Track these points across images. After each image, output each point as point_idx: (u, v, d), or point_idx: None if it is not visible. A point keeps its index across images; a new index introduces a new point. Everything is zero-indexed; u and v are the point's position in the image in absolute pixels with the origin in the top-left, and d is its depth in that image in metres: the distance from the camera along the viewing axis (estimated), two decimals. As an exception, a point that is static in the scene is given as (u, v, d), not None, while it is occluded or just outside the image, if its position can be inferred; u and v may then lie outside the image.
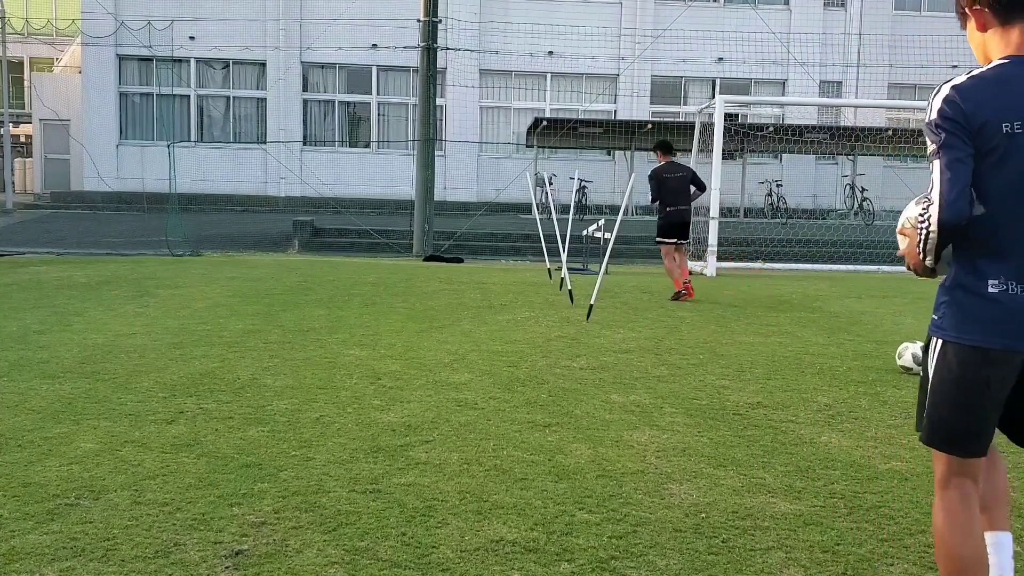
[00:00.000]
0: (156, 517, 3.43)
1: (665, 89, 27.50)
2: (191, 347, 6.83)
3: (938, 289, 2.50)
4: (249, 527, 3.36)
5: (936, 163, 2.34)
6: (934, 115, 2.35)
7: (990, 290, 2.34)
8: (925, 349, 2.52)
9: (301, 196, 25.65)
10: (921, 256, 2.43)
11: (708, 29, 25.54)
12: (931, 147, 2.36)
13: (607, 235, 10.66)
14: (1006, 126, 2.28)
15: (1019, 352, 2.34)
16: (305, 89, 26.77)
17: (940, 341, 2.42)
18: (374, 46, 25.76)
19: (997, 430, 2.50)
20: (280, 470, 4.01)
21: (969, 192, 2.31)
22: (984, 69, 2.37)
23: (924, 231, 2.37)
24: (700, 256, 14.88)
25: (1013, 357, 2.34)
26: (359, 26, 25.31)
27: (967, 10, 2.44)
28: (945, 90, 2.35)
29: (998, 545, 2.54)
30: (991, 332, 2.34)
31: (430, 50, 17.19)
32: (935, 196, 2.32)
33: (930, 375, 2.46)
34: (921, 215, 2.38)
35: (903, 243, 2.58)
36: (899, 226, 2.62)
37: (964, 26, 2.50)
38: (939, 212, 2.31)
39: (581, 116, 24.57)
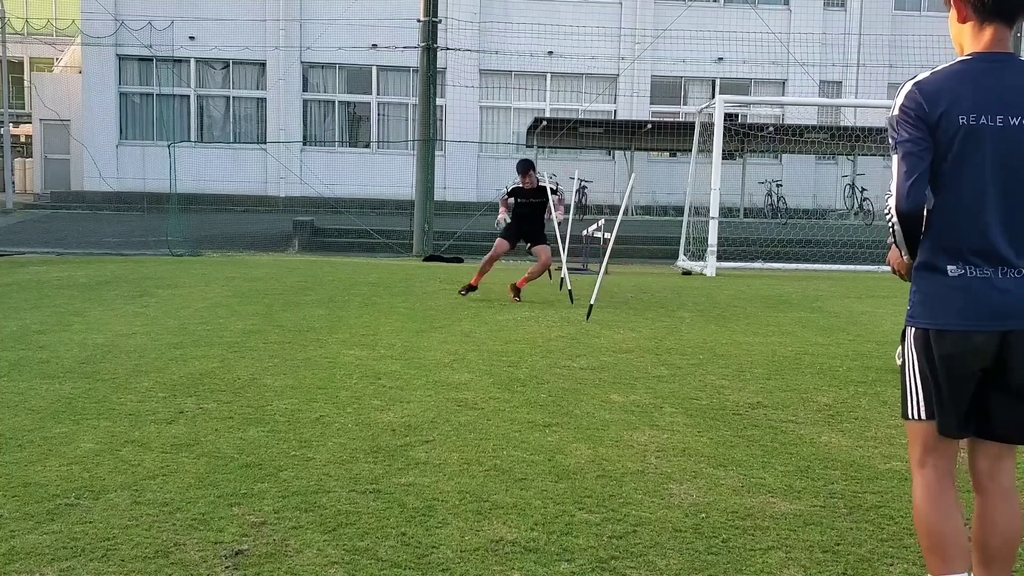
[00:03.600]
0: (156, 517, 3.43)
1: (665, 89, 27.50)
2: (191, 347, 6.83)
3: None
4: (249, 527, 3.36)
5: (894, 156, 2.49)
6: (896, 111, 2.51)
7: (951, 275, 2.48)
8: (902, 338, 2.63)
9: (301, 196, 25.64)
10: (900, 251, 2.60)
11: (708, 29, 25.54)
12: (890, 141, 2.53)
13: (607, 235, 10.66)
14: (962, 118, 2.42)
15: (980, 332, 2.45)
16: (305, 89, 26.77)
17: (911, 328, 2.57)
18: (374, 46, 25.76)
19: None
20: (280, 470, 4.01)
21: (925, 182, 2.46)
22: (949, 65, 2.51)
23: (889, 224, 2.53)
24: (700, 256, 14.89)
25: (975, 337, 2.45)
26: (359, 26, 25.31)
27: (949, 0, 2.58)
28: (908, 87, 2.51)
29: None
30: (953, 315, 2.47)
31: (430, 50, 17.20)
32: (893, 188, 2.48)
33: (906, 361, 2.60)
34: (885, 209, 2.56)
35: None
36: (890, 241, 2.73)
37: (949, 9, 2.61)
38: (896, 202, 2.47)
39: (581, 116, 24.57)
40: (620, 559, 3.17)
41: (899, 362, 2.70)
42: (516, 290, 10.08)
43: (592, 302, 8.59)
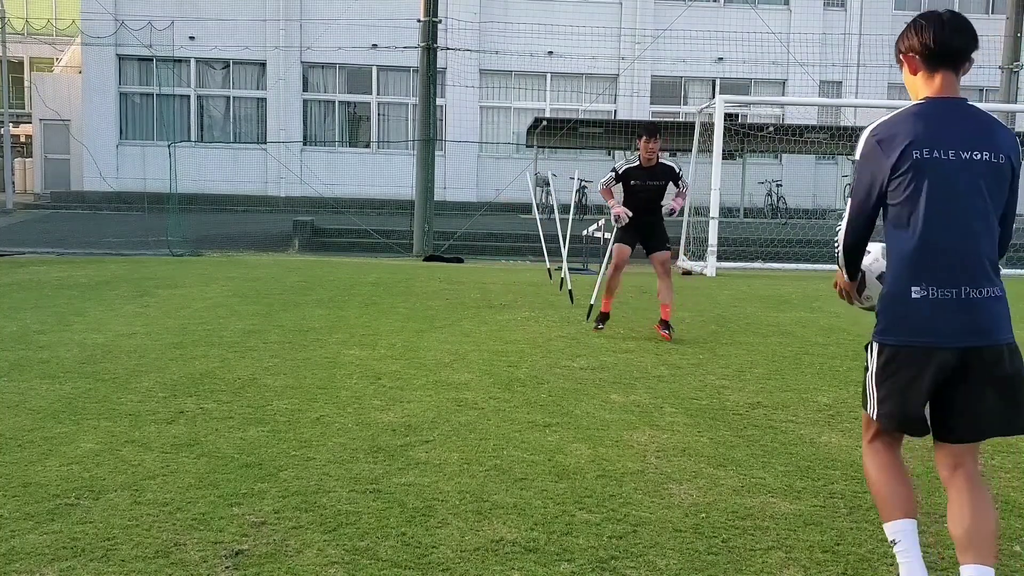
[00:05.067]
0: (156, 517, 3.43)
1: (665, 89, 27.49)
2: (191, 347, 6.83)
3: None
4: (249, 527, 3.36)
5: (849, 199, 2.87)
6: (856, 155, 2.86)
7: (914, 296, 2.73)
8: (867, 348, 2.91)
9: (301, 196, 25.64)
10: (841, 269, 2.98)
11: (708, 29, 25.53)
12: (850, 181, 2.91)
13: (607, 235, 10.65)
14: (916, 152, 2.71)
15: (941, 348, 2.70)
16: (305, 89, 26.77)
17: (875, 343, 2.84)
18: (374, 46, 25.76)
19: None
20: (280, 470, 4.01)
21: (871, 225, 2.84)
22: (905, 108, 2.83)
23: (837, 249, 2.94)
24: (700, 256, 14.88)
25: (936, 352, 2.70)
26: (359, 26, 25.31)
27: (901, 56, 2.91)
28: (866, 134, 2.83)
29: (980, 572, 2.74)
30: (917, 333, 2.72)
31: (430, 50, 17.19)
32: (844, 224, 2.89)
33: (870, 368, 2.87)
34: (836, 240, 2.93)
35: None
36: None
37: (901, 68, 2.95)
38: (844, 238, 2.89)
39: (581, 116, 24.56)
40: (620, 559, 3.17)
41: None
42: (665, 324, 7.77)
43: (592, 302, 8.59)
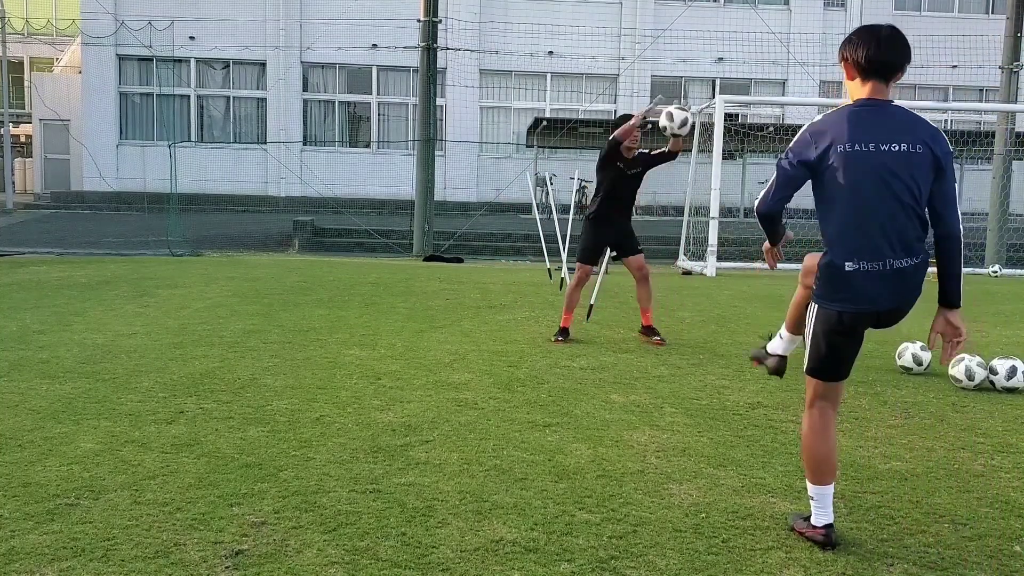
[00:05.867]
0: (156, 517, 3.43)
1: (665, 89, 27.46)
2: (191, 347, 6.83)
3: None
4: (249, 527, 3.36)
5: (773, 177, 3.34)
6: (792, 144, 3.33)
7: (847, 268, 3.21)
8: (807, 311, 3.43)
9: (301, 196, 25.65)
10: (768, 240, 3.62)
11: (708, 29, 25.53)
12: (778, 161, 3.35)
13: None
14: (839, 147, 3.18)
15: (867, 312, 3.24)
16: (305, 89, 26.77)
17: (815, 305, 3.34)
18: (374, 46, 25.76)
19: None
20: (280, 470, 4.01)
21: (783, 202, 3.37)
22: (836, 109, 3.30)
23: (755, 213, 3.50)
24: (700, 256, 14.88)
25: (863, 316, 3.25)
26: (359, 26, 25.31)
27: (841, 62, 3.35)
28: (803, 128, 3.33)
29: (824, 495, 3.39)
30: (848, 300, 3.23)
31: (430, 50, 17.19)
32: (760, 194, 3.40)
33: (809, 329, 3.37)
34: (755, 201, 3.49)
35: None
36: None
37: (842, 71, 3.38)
38: (757, 204, 3.43)
39: (581, 116, 24.57)
40: (620, 559, 3.17)
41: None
42: (651, 330, 7.55)
43: (592, 302, 8.59)
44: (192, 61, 26.34)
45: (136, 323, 7.90)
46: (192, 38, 25.71)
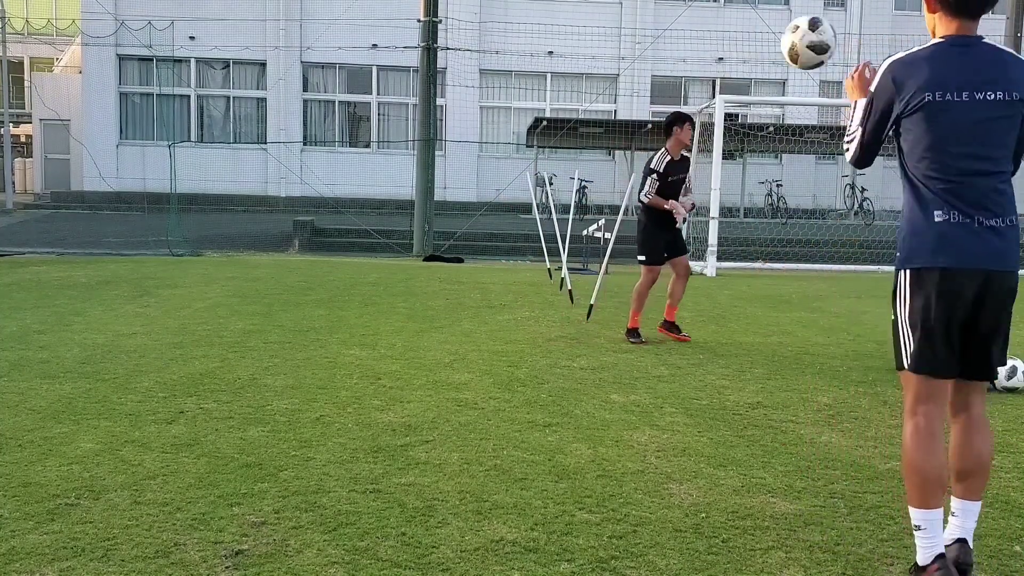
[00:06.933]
0: (156, 517, 3.43)
1: (665, 89, 27.49)
2: (191, 347, 6.83)
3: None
4: (249, 527, 3.36)
5: (866, 120, 3.01)
6: (874, 85, 2.99)
7: (936, 219, 2.84)
8: (893, 296, 2.97)
9: (301, 196, 25.64)
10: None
11: (708, 29, 25.53)
12: (867, 100, 3.01)
13: (607, 235, 10.65)
14: (928, 94, 2.84)
15: (966, 270, 2.80)
16: (305, 89, 26.76)
17: (903, 272, 2.91)
18: (374, 46, 25.75)
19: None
20: (280, 470, 4.01)
21: (875, 152, 3.03)
22: (922, 47, 2.93)
23: (846, 144, 3.14)
24: (700, 256, 14.88)
25: (967, 276, 2.81)
26: (359, 26, 25.30)
27: None
28: (886, 63, 2.96)
29: (966, 512, 2.97)
30: (939, 254, 2.82)
31: (430, 50, 17.19)
32: (854, 145, 3.06)
33: (900, 308, 2.93)
34: (846, 135, 3.12)
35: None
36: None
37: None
38: (851, 157, 3.08)
39: (581, 116, 24.56)
40: (620, 559, 3.17)
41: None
42: (672, 326, 7.75)
43: (592, 302, 8.59)
44: (192, 61, 26.33)
45: (136, 323, 7.90)
46: (192, 38, 25.71)
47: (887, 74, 2.93)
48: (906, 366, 2.93)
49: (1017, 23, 17.93)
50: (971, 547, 2.91)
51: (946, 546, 2.89)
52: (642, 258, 7.68)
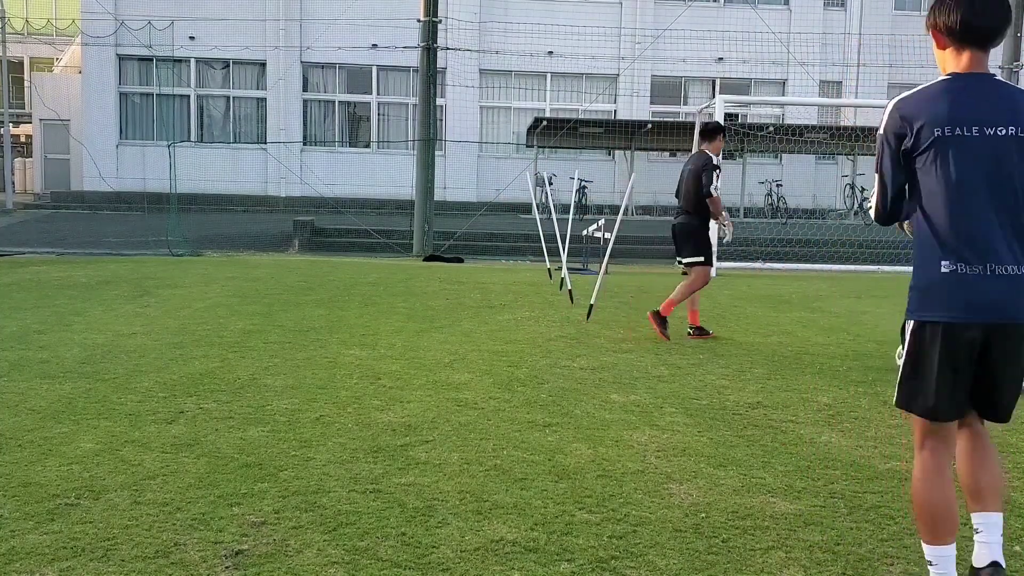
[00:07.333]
0: (156, 517, 3.43)
1: (665, 89, 27.50)
2: (191, 347, 6.83)
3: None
4: (249, 527, 3.36)
5: (877, 176, 2.87)
6: (882, 129, 2.84)
7: (943, 270, 2.74)
8: (902, 332, 2.92)
9: (301, 196, 25.64)
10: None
11: (708, 29, 25.54)
12: (877, 154, 2.86)
13: (607, 235, 10.65)
14: (937, 130, 2.72)
15: (973, 323, 2.71)
16: (305, 89, 26.77)
17: (910, 322, 2.84)
18: (374, 46, 25.76)
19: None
20: (280, 470, 4.01)
21: (902, 199, 2.86)
22: (928, 84, 2.82)
23: (869, 212, 3.01)
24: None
25: (962, 330, 2.72)
26: (359, 26, 25.30)
27: (930, 31, 2.89)
28: (891, 104, 2.83)
29: (989, 525, 2.84)
30: (946, 307, 2.73)
31: (430, 50, 17.19)
32: (874, 201, 2.90)
33: (903, 352, 2.87)
34: (865, 205, 2.98)
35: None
36: None
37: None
38: (876, 215, 2.93)
39: (581, 116, 24.57)
40: (620, 559, 3.17)
41: (899, 361, 2.90)
42: (661, 320, 7.74)
43: (592, 302, 8.59)
44: (192, 61, 26.33)
45: (136, 323, 7.90)
46: (192, 38, 25.71)
47: (894, 112, 2.79)
48: (900, 403, 2.88)
49: (1017, 23, 17.93)
50: (1004, 570, 2.83)
51: (978, 569, 2.81)
52: (702, 259, 7.92)
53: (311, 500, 3.65)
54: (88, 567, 3.00)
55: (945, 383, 2.75)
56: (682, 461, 4.29)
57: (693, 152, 8.83)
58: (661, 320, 7.73)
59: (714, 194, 7.77)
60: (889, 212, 2.87)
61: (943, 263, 2.73)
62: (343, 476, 3.94)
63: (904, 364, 2.85)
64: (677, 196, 8.25)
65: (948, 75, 2.82)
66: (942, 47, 2.85)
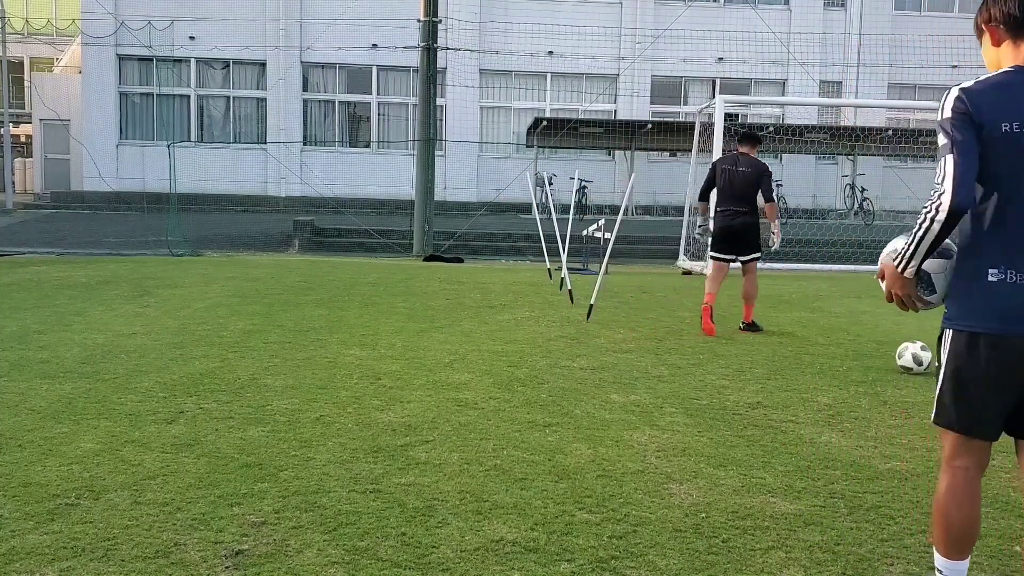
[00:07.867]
0: (156, 517, 3.43)
1: (665, 89, 27.49)
2: (191, 347, 6.83)
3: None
4: (249, 527, 3.36)
5: (948, 156, 2.51)
6: (947, 113, 2.56)
7: (990, 279, 2.53)
8: (939, 341, 2.69)
9: (301, 196, 25.64)
10: (905, 263, 2.61)
11: (708, 29, 25.53)
12: (943, 141, 2.55)
13: (607, 235, 10.65)
14: (1004, 126, 2.49)
15: (1018, 336, 2.49)
16: (305, 89, 26.76)
17: (949, 331, 2.63)
18: (374, 46, 25.75)
19: None
20: (280, 470, 4.01)
21: (975, 181, 2.52)
22: (991, 75, 2.60)
23: (927, 220, 2.52)
24: (700, 256, 14.87)
25: (1013, 341, 2.50)
26: (359, 26, 25.30)
27: (983, 26, 2.69)
28: (955, 92, 2.57)
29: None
30: (990, 318, 2.52)
31: (430, 50, 17.19)
32: (947, 184, 2.49)
33: (943, 364, 2.65)
34: (926, 205, 2.54)
35: (883, 284, 2.75)
36: (879, 264, 2.75)
37: (981, 40, 2.73)
38: (950, 198, 2.47)
39: (581, 116, 24.56)
40: (620, 559, 3.17)
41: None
42: (752, 326, 8.42)
43: (592, 302, 8.59)
44: (192, 61, 26.32)
45: (136, 323, 7.90)
46: (192, 38, 25.70)
47: (957, 101, 2.54)
48: (939, 421, 2.69)
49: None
50: None
51: None
52: (759, 254, 8.63)
53: (311, 500, 3.65)
54: (88, 567, 3.00)
55: (988, 398, 2.56)
56: (682, 461, 4.29)
57: (730, 153, 9.26)
58: (752, 327, 8.38)
59: (775, 200, 8.56)
60: (967, 195, 2.49)
61: (991, 271, 2.53)
62: (343, 476, 3.94)
63: (943, 377, 2.66)
64: (722, 194, 8.71)
65: (1011, 68, 2.60)
66: (997, 43, 2.66)
